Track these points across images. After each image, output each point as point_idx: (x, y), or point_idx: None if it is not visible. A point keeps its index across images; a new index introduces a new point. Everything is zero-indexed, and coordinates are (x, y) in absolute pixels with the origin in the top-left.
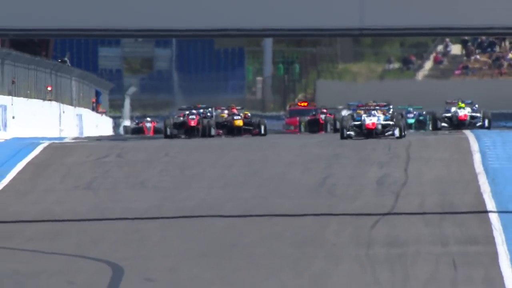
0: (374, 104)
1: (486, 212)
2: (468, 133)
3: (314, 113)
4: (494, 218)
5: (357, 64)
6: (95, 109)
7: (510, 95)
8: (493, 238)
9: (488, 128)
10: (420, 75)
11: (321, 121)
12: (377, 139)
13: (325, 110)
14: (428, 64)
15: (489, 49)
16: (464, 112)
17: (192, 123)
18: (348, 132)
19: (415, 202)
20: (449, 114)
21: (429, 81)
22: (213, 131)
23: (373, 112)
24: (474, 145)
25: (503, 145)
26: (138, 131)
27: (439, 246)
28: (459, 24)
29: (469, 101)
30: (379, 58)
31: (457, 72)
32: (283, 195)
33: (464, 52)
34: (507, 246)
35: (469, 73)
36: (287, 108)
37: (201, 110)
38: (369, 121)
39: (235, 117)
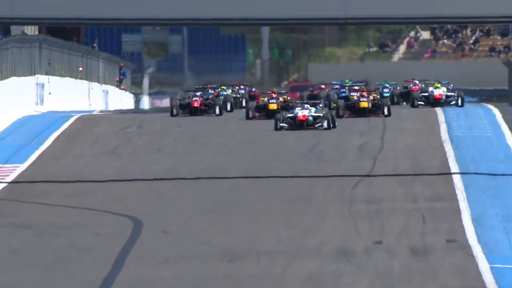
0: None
1: (450, 174)
2: (436, 111)
3: (311, 88)
4: (457, 179)
5: (341, 48)
6: (118, 86)
7: (470, 74)
8: (456, 196)
9: (461, 106)
10: (395, 57)
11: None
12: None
13: (323, 86)
14: (402, 48)
15: (453, 36)
16: (439, 91)
17: (195, 104)
18: (281, 124)
19: (390, 166)
20: (426, 94)
21: (403, 62)
22: (228, 106)
23: (305, 105)
24: (441, 117)
25: (465, 116)
26: (186, 105)
27: (410, 203)
28: (428, 14)
29: (446, 81)
30: (360, 42)
31: (426, 55)
32: (279, 160)
33: (432, 37)
34: (467, 203)
35: (437, 56)
36: (288, 84)
37: (211, 91)
38: (301, 113)
39: (270, 101)
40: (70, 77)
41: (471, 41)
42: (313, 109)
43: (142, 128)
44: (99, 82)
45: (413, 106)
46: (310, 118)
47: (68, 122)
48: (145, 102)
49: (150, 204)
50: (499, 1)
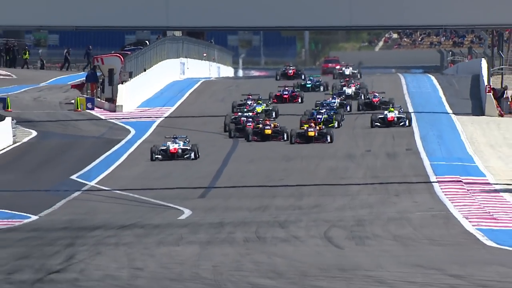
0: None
1: (409, 112)
2: (400, 76)
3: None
4: (412, 115)
5: (347, 43)
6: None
7: (419, 58)
8: (412, 124)
9: (409, 125)
10: (377, 48)
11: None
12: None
13: (350, 66)
14: (381, 43)
15: (410, 35)
16: (392, 114)
17: (173, 150)
18: (156, 156)
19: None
20: (382, 116)
21: (381, 51)
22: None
23: (176, 140)
24: (403, 81)
25: (416, 81)
26: (166, 150)
27: (385, 129)
28: (408, 23)
29: (398, 106)
30: (358, 39)
31: (395, 46)
32: None
33: (398, 37)
34: (418, 128)
35: (400, 47)
36: (321, 64)
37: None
38: (172, 146)
39: (265, 127)
40: (199, 59)
41: (419, 39)
42: (181, 142)
43: (238, 86)
44: (215, 62)
45: (372, 126)
46: (180, 150)
47: (197, 84)
48: (240, 73)
49: None
50: (465, 13)
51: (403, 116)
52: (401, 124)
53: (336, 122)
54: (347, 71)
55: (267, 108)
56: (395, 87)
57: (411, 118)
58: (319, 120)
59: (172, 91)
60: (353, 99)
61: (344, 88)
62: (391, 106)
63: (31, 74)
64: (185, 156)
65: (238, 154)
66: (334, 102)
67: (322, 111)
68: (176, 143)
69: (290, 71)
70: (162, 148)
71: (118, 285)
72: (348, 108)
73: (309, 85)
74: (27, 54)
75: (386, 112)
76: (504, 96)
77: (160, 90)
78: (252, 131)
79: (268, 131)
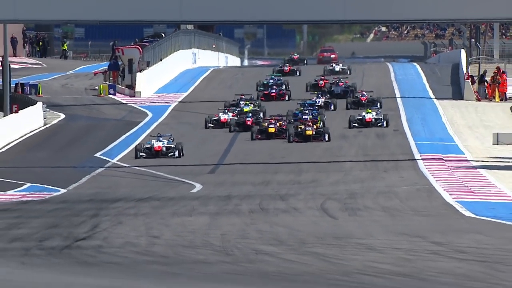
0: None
1: (395, 97)
2: (388, 64)
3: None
4: (399, 100)
5: (341, 35)
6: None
7: (405, 48)
8: (398, 108)
9: (387, 126)
10: (368, 40)
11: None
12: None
13: (340, 62)
14: (372, 35)
15: (397, 29)
16: (370, 116)
17: (158, 148)
18: (140, 154)
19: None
20: (360, 117)
21: (372, 43)
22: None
23: (160, 138)
24: (391, 69)
25: (403, 68)
26: (151, 148)
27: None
28: (396, 18)
29: (376, 107)
30: (351, 31)
31: (384, 38)
32: None
33: (386, 30)
34: (404, 112)
35: (389, 39)
36: (317, 53)
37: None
38: (156, 144)
39: (270, 126)
40: (208, 49)
41: (406, 31)
42: (165, 141)
43: (243, 74)
44: (223, 52)
45: (350, 127)
46: (164, 148)
47: (207, 72)
48: (245, 63)
49: None
50: (446, 9)
51: (381, 117)
52: (378, 125)
53: (321, 122)
54: (337, 68)
55: (254, 108)
56: (384, 74)
57: (388, 119)
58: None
59: (185, 78)
60: (342, 98)
61: (333, 87)
62: (368, 108)
63: (59, 63)
64: (169, 154)
65: (243, 136)
66: (318, 102)
67: (306, 112)
68: (161, 141)
69: (286, 68)
70: (147, 146)
71: (137, 251)
72: (332, 107)
73: (271, 83)
74: (65, 45)
75: (364, 113)
76: (484, 79)
77: (174, 78)
78: (257, 130)
79: (272, 129)
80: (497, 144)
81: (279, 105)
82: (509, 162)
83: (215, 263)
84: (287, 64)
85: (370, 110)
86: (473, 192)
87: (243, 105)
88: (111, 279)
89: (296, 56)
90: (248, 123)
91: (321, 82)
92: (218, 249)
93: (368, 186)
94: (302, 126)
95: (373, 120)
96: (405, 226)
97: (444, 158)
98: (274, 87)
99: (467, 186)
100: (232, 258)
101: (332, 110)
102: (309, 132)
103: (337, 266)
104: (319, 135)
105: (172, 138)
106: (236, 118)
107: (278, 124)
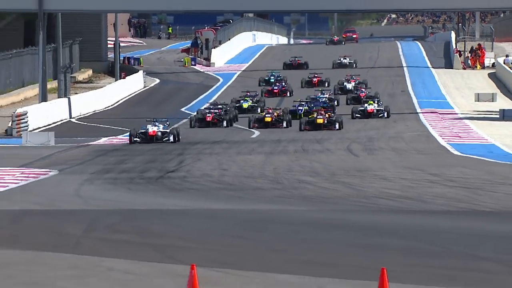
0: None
1: (402, 67)
2: (397, 42)
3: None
4: (405, 69)
5: (362, 20)
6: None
7: (410, 30)
8: (405, 75)
9: (388, 117)
10: (383, 24)
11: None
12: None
13: (347, 57)
14: (385, 21)
15: (403, 15)
16: (371, 107)
17: (152, 133)
18: (135, 139)
19: (372, 64)
20: (362, 108)
21: (385, 26)
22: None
23: (156, 123)
24: (399, 46)
25: (408, 46)
26: (145, 133)
27: (387, 77)
28: (403, 7)
29: (377, 99)
30: (369, 18)
31: (394, 23)
32: None
33: (396, 16)
34: (409, 77)
35: (398, 24)
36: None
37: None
38: (151, 129)
39: (266, 115)
40: (264, 31)
41: (410, 18)
42: (161, 126)
43: (290, 50)
44: (275, 34)
45: (352, 118)
46: (159, 133)
47: (263, 48)
48: (291, 41)
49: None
50: (441, 1)
51: (382, 108)
52: (380, 116)
53: (333, 111)
54: (345, 61)
55: (253, 104)
56: (394, 50)
57: (389, 110)
58: (299, 112)
59: (247, 53)
60: (353, 93)
61: (345, 83)
62: (370, 100)
63: (155, 42)
64: (164, 139)
65: (286, 99)
66: (322, 98)
67: (302, 103)
68: (156, 126)
69: (314, 79)
70: (142, 131)
71: (212, 180)
72: (336, 102)
73: (272, 80)
74: (169, 29)
75: (366, 105)
76: (473, 50)
77: (239, 53)
78: (254, 119)
79: (268, 119)
80: (478, 101)
81: (282, 101)
82: (486, 114)
83: (269, 189)
84: (335, 37)
85: (372, 102)
86: (460, 137)
87: (242, 101)
88: (192, 201)
89: (336, 38)
90: (208, 119)
91: (314, 79)
92: (271, 179)
93: (382, 133)
94: (314, 115)
95: (375, 111)
96: (409, 162)
97: (438, 112)
98: (277, 83)
99: (456, 132)
100: (281, 185)
101: (336, 105)
102: (320, 121)
103: (359, 192)
104: (330, 124)
105: (167, 123)
106: (199, 115)
107: (275, 113)
